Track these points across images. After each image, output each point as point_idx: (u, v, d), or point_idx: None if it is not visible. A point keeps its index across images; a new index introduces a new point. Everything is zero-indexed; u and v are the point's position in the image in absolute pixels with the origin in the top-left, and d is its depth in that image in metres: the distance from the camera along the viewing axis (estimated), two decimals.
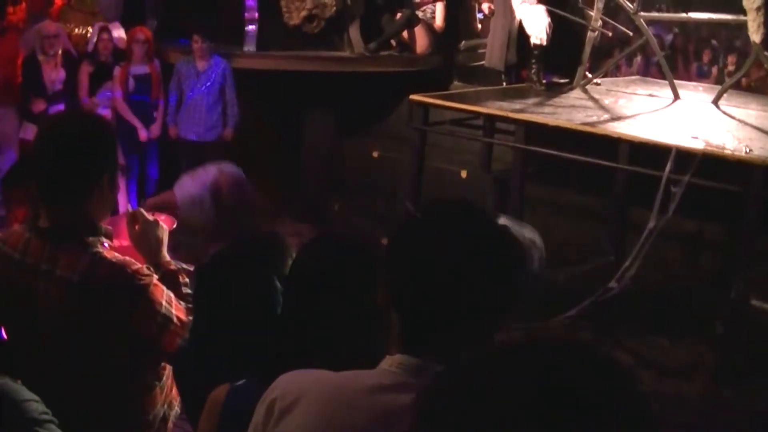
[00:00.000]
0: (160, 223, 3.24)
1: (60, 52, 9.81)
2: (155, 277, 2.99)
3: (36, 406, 2.38)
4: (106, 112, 9.71)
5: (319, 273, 2.32)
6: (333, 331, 2.26)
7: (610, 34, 10.59)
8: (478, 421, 1.17)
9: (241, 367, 2.41)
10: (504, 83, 10.37)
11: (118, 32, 10.27)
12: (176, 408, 3.25)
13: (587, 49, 10.06)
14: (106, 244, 3.00)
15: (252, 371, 2.36)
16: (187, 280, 3.14)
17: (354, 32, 11.21)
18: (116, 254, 2.97)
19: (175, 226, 3.52)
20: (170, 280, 3.10)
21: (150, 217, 3.21)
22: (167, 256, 3.22)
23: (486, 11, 11.47)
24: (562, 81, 10.36)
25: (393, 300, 1.93)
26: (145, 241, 3.18)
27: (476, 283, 1.85)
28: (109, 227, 3.07)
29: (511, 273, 1.92)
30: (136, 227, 3.18)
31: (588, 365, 1.22)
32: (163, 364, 3.13)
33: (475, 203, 2.00)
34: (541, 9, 9.78)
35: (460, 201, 2.01)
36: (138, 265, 2.96)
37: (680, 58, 14.76)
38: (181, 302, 3.01)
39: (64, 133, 2.99)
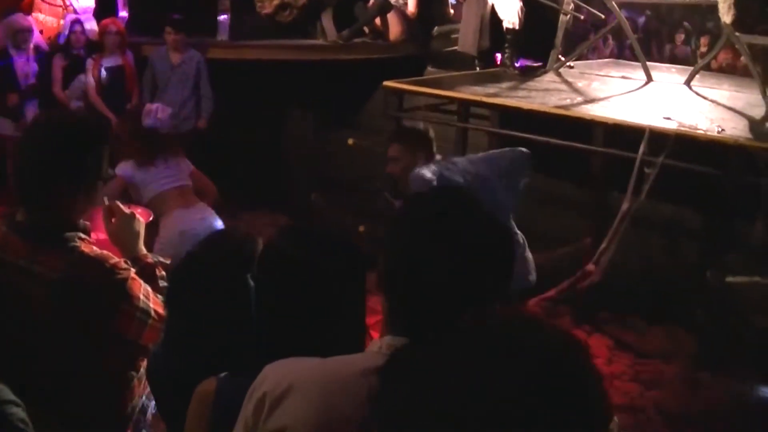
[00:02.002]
0: (137, 216, 3.23)
1: (32, 45, 9.76)
2: (133, 271, 2.99)
3: (16, 411, 2.36)
4: (78, 105, 9.68)
5: (289, 260, 2.32)
6: (308, 318, 2.26)
7: (582, 17, 10.62)
8: (440, 394, 1.21)
9: (215, 366, 2.42)
10: (477, 68, 10.39)
11: (91, 24, 10.24)
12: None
13: (560, 33, 10.09)
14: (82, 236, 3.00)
15: (228, 369, 2.37)
16: (164, 273, 3.14)
17: (327, 20, 11.21)
18: (94, 248, 2.97)
19: (151, 218, 3.52)
20: (147, 273, 3.10)
21: (126, 211, 3.21)
22: (144, 250, 3.22)
23: None
24: (535, 65, 10.39)
25: (383, 284, 1.95)
26: (122, 235, 3.17)
27: (467, 268, 1.88)
28: (87, 222, 3.07)
29: (501, 258, 1.95)
30: (113, 220, 3.18)
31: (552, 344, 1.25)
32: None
33: (468, 192, 2.01)
34: None
35: (451, 188, 2.03)
36: (115, 260, 2.96)
37: (653, 41, 14.82)
38: (159, 296, 3.01)
39: (45, 140, 2.98)
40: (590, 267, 7.48)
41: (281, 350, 2.10)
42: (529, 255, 6.03)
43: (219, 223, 6.51)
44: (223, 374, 2.33)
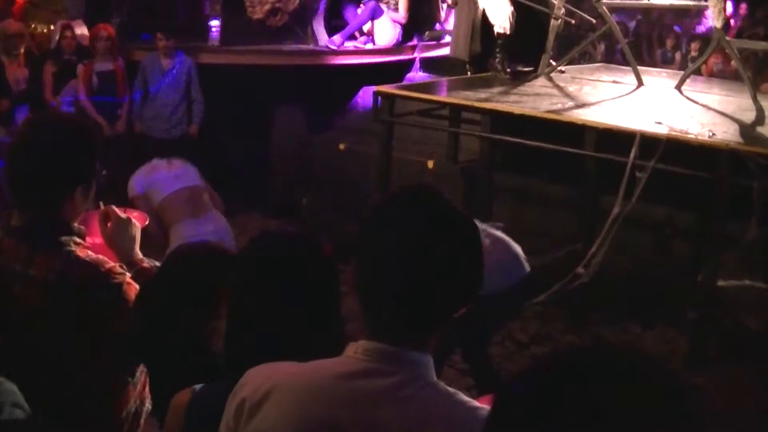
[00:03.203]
0: (133, 220, 3.23)
1: (22, 51, 9.74)
2: (128, 275, 2.98)
3: (18, 412, 2.35)
4: (69, 110, 9.66)
5: (261, 268, 2.35)
6: (282, 324, 2.28)
7: (573, 21, 10.64)
8: None
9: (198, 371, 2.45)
10: (469, 73, 10.39)
11: (81, 30, 10.22)
12: (147, 404, 3.24)
13: (551, 38, 10.10)
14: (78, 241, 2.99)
15: (210, 373, 2.38)
16: None
17: (318, 25, 11.21)
18: (90, 252, 2.96)
19: (147, 223, 3.51)
20: (143, 277, 3.09)
21: (122, 215, 3.20)
22: (140, 254, 3.22)
23: (449, 1, 11.48)
24: (526, 69, 10.40)
25: (357, 287, 1.95)
26: (117, 239, 3.17)
27: (436, 269, 1.87)
28: (82, 226, 3.06)
29: (470, 257, 1.95)
30: (109, 225, 3.17)
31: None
32: None
33: (434, 189, 2.02)
34: None
35: (420, 187, 2.03)
36: (111, 264, 2.96)
37: (644, 45, 14.85)
38: None
39: (40, 142, 2.97)
40: (580, 270, 7.50)
41: (258, 355, 2.10)
42: (517, 248, 6.08)
43: (230, 233, 6.51)
44: (199, 385, 2.35)
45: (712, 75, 11.72)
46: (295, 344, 2.18)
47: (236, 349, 2.35)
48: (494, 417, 1.28)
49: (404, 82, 9.46)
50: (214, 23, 10.92)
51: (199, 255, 2.82)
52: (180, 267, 2.75)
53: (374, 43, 11.55)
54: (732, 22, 13.00)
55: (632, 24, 15.17)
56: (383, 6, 11.48)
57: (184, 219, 6.33)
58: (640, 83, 9.88)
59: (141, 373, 3.17)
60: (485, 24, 10.07)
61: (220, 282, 2.52)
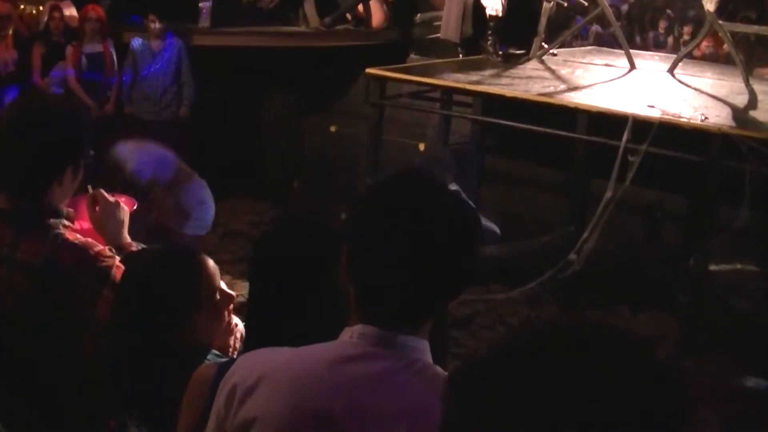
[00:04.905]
0: (121, 204, 3.20)
1: (11, 32, 9.68)
2: (117, 259, 2.95)
3: None
4: (58, 92, 9.60)
5: (282, 255, 2.34)
6: (299, 311, 2.27)
7: (566, 4, 10.61)
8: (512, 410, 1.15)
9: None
10: (460, 55, 10.36)
11: (70, 11, 10.14)
12: None
13: (543, 21, 10.08)
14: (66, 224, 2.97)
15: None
16: None
17: (309, 7, 11.16)
18: (78, 236, 2.94)
19: (135, 207, 3.49)
20: None
21: (111, 199, 3.17)
22: (128, 238, 3.19)
23: None
24: (518, 52, 10.37)
25: (351, 271, 1.92)
26: (106, 223, 3.14)
27: (432, 252, 1.85)
28: (71, 209, 3.03)
29: (466, 240, 1.92)
30: (97, 208, 3.14)
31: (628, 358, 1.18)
32: None
33: (430, 172, 1.99)
34: None
35: (414, 170, 2.01)
36: (100, 247, 2.93)
37: (636, 29, 14.83)
38: None
39: (27, 124, 2.94)
40: (572, 256, 7.50)
41: (273, 338, 2.09)
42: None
43: None
44: (222, 359, 2.33)
45: (703, 58, 11.71)
46: (308, 331, 2.17)
47: (255, 336, 2.36)
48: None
49: (395, 65, 9.39)
50: (205, 5, 10.85)
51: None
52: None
53: (366, 26, 11.50)
54: None
55: (624, 7, 15.14)
56: None
57: None
58: (633, 66, 9.87)
59: None
60: (477, 6, 10.04)
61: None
